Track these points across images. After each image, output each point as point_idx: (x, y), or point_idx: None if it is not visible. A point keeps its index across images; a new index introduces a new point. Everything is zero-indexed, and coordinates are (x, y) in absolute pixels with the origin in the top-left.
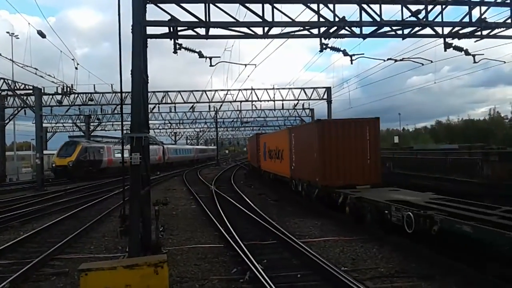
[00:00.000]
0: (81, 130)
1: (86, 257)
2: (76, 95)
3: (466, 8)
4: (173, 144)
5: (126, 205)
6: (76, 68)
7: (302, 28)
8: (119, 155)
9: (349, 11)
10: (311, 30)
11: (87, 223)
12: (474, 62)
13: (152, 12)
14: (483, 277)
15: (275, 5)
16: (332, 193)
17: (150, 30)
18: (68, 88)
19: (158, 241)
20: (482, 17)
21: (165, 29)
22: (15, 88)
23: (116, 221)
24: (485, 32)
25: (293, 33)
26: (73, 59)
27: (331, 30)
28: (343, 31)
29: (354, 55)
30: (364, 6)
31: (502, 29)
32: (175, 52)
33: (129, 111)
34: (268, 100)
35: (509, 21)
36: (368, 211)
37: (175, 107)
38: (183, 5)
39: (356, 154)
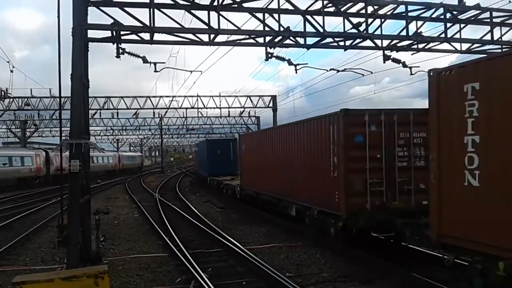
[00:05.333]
0: (17, 136)
1: (20, 269)
2: (11, 99)
3: (404, 22)
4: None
5: (64, 215)
6: (12, 71)
7: (248, 37)
8: None
9: (294, 22)
10: (256, 39)
11: (22, 234)
12: (411, 74)
13: (95, 15)
14: (418, 279)
15: (221, 12)
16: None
17: (92, 33)
18: (3, 92)
19: (98, 251)
20: (418, 31)
21: (108, 33)
22: None
23: (53, 231)
24: (421, 46)
25: (239, 41)
26: (8, 62)
27: (276, 40)
28: (288, 41)
29: (298, 64)
30: (308, 17)
31: (436, 43)
32: (117, 56)
33: (68, 116)
34: (214, 108)
35: (442, 35)
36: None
37: (117, 113)
38: (127, 9)
39: None
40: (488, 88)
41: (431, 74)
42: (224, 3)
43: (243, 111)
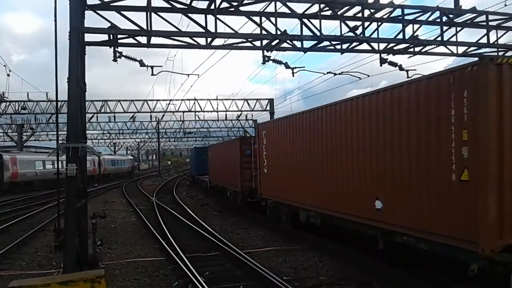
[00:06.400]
0: (13, 140)
1: (17, 274)
2: (8, 103)
3: (400, 25)
4: None
5: (61, 219)
6: (8, 75)
7: (245, 40)
8: None
9: (291, 25)
10: (253, 42)
11: (19, 238)
12: (408, 77)
13: (92, 19)
14: (419, 283)
15: (218, 16)
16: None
17: (89, 37)
18: None
19: (95, 255)
20: (415, 34)
21: (104, 37)
22: None
23: (50, 235)
24: (417, 49)
25: (236, 45)
26: (5, 65)
27: (273, 43)
28: (284, 44)
29: (295, 68)
30: (305, 20)
31: (432, 46)
32: (114, 60)
33: (65, 120)
34: (211, 111)
35: (439, 38)
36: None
37: (114, 116)
38: (124, 12)
39: None
40: (268, 133)
41: (255, 125)
42: (221, 6)
43: (240, 114)
